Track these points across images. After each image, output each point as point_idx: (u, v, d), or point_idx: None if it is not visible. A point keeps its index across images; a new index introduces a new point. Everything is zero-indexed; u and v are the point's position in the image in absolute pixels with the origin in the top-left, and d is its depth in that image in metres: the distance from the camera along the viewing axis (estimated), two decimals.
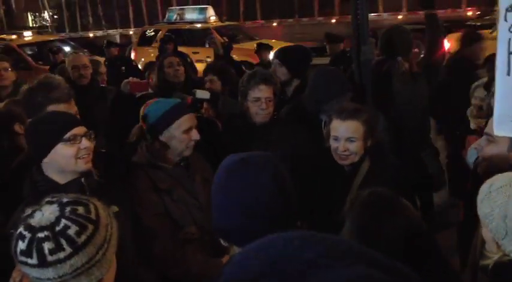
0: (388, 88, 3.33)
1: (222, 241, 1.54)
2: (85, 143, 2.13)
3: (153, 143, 2.62)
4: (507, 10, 1.39)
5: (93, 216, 1.38)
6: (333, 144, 2.56)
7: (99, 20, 22.84)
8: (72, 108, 2.72)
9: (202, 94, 3.33)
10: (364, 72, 2.99)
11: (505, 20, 1.39)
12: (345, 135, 2.51)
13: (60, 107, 2.64)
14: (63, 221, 1.33)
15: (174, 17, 15.55)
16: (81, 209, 1.37)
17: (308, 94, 3.29)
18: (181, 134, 2.56)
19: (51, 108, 2.62)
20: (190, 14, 15.33)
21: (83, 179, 2.15)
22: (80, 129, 2.15)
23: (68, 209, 1.36)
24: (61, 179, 2.12)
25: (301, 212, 1.79)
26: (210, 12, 15.12)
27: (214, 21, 14.84)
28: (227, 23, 16.07)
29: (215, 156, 2.85)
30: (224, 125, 3.41)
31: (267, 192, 1.43)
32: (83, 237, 1.33)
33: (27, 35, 13.01)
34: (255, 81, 3.05)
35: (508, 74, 1.38)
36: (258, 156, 1.53)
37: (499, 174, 1.70)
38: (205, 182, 2.68)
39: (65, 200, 1.39)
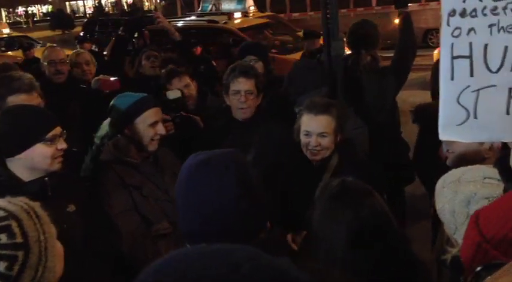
0: (355, 83, 3.33)
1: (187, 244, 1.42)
2: (62, 144, 2.14)
3: (119, 138, 2.61)
4: (449, 15, 1.40)
5: (19, 239, 1.24)
6: (304, 139, 2.53)
7: None
8: (34, 100, 2.69)
9: (173, 94, 3.28)
10: (335, 67, 2.99)
11: (448, 25, 1.41)
12: (317, 130, 2.48)
13: (21, 98, 2.62)
14: None
15: (209, 7, 14.63)
16: (3, 237, 1.23)
17: (286, 86, 3.27)
18: (146, 128, 2.54)
19: (12, 98, 2.61)
20: (228, 3, 14.39)
21: (46, 178, 2.13)
22: (58, 130, 2.15)
23: None
24: (26, 177, 2.10)
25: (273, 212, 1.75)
26: (249, 1, 14.11)
27: (254, 12, 13.38)
28: (267, 13, 14.47)
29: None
30: (205, 122, 3.35)
31: (228, 196, 1.35)
32: (16, 268, 1.22)
33: (237, 17, 11.41)
34: (235, 74, 2.97)
35: (452, 79, 1.40)
36: (223, 155, 1.43)
37: (453, 170, 1.73)
38: (174, 176, 2.66)
39: None
